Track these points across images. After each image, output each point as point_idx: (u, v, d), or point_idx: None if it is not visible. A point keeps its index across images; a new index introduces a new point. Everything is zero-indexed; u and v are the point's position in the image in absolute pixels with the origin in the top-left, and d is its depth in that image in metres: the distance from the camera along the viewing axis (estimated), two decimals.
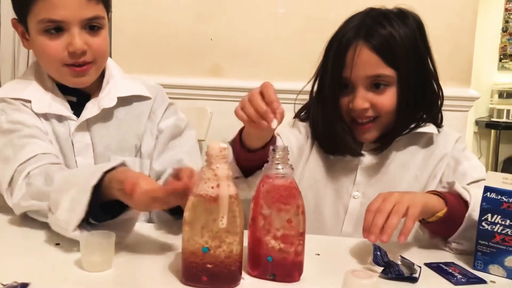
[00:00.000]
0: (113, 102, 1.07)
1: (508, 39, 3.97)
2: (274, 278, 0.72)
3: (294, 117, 1.18)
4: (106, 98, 1.07)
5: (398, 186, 1.07)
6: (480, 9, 1.59)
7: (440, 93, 1.10)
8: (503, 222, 0.78)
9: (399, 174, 1.09)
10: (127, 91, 1.10)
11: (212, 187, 0.68)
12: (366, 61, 1.01)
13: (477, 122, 3.94)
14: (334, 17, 1.11)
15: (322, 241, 0.95)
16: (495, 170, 3.80)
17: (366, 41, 1.01)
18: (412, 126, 1.07)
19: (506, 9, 3.93)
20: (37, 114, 1.03)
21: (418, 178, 1.09)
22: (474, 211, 0.84)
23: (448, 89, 1.59)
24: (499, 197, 0.78)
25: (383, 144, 1.08)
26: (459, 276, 0.75)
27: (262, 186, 0.73)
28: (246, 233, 0.73)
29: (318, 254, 0.85)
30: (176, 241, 0.88)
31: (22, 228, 0.94)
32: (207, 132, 1.49)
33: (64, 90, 1.07)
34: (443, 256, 0.87)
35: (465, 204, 0.87)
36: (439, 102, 1.10)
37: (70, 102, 1.07)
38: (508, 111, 3.75)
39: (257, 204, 0.73)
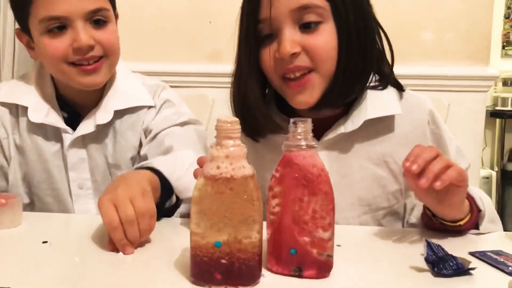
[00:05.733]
0: (109, 117, 1.01)
1: (511, 26, 3.88)
2: (299, 274, 0.61)
3: None
4: (102, 112, 1.01)
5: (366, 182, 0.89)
6: None
7: (390, 49, 0.89)
8: None
9: (365, 169, 0.88)
10: (125, 103, 1.03)
11: (222, 167, 0.57)
12: None
13: None
14: None
15: (339, 231, 0.84)
16: (501, 160, 3.71)
17: None
18: (362, 87, 0.85)
19: None
20: (30, 124, 1.00)
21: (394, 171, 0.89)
22: (486, 222, 0.80)
23: (465, 69, 1.51)
24: None
25: (330, 103, 0.84)
26: None
27: (281, 166, 0.62)
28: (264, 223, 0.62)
29: (339, 246, 0.73)
30: (182, 233, 0.77)
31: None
32: (209, 121, 1.38)
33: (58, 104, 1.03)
34: (485, 243, 0.77)
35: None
36: (391, 59, 0.89)
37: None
38: None
39: (275, 187, 0.62)
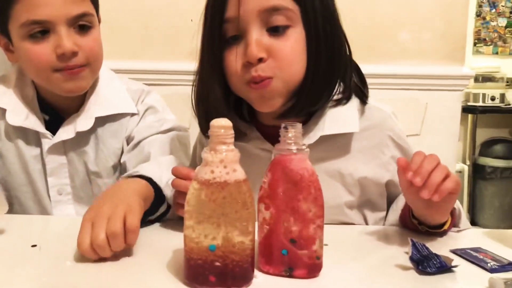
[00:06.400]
0: (90, 123, 0.99)
1: (482, 24, 3.98)
2: (290, 274, 0.63)
3: None
4: (83, 118, 0.99)
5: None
6: None
7: (351, 58, 0.87)
8: None
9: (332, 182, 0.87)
10: (106, 110, 1.01)
11: (216, 172, 0.58)
12: None
13: None
14: None
15: (325, 230, 0.86)
16: (473, 154, 3.82)
17: None
18: (326, 96, 0.84)
19: None
20: (10, 126, 0.98)
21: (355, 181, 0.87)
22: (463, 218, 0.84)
23: (441, 68, 1.55)
24: None
25: (297, 111, 0.83)
26: (492, 263, 0.68)
27: (272, 170, 0.63)
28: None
29: (326, 245, 0.75)
30: (174, 236, 0.79)
31: None
32: (191, 119, 1.38)
33: (39, 106, 1.00)
34: (464, 241, 0.80)
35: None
36: (351, 68, 0.87)
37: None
38: (484, 95, 3.76)
39: (267, 191, 0.63)
